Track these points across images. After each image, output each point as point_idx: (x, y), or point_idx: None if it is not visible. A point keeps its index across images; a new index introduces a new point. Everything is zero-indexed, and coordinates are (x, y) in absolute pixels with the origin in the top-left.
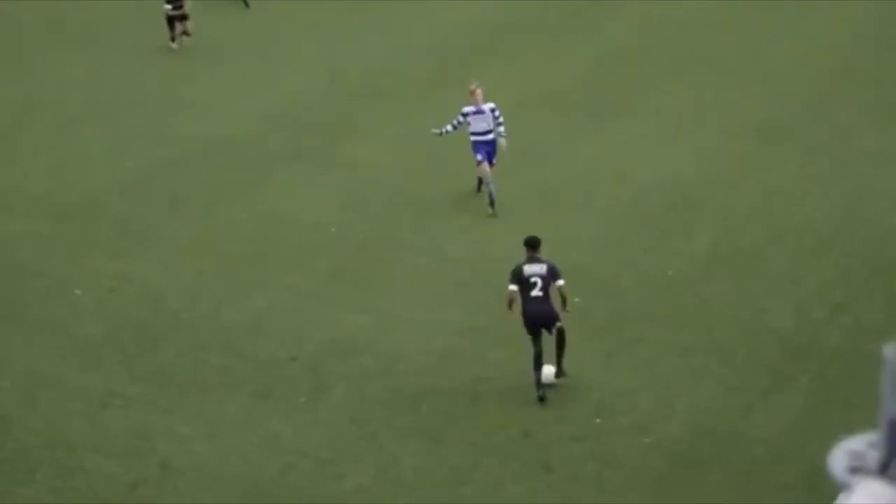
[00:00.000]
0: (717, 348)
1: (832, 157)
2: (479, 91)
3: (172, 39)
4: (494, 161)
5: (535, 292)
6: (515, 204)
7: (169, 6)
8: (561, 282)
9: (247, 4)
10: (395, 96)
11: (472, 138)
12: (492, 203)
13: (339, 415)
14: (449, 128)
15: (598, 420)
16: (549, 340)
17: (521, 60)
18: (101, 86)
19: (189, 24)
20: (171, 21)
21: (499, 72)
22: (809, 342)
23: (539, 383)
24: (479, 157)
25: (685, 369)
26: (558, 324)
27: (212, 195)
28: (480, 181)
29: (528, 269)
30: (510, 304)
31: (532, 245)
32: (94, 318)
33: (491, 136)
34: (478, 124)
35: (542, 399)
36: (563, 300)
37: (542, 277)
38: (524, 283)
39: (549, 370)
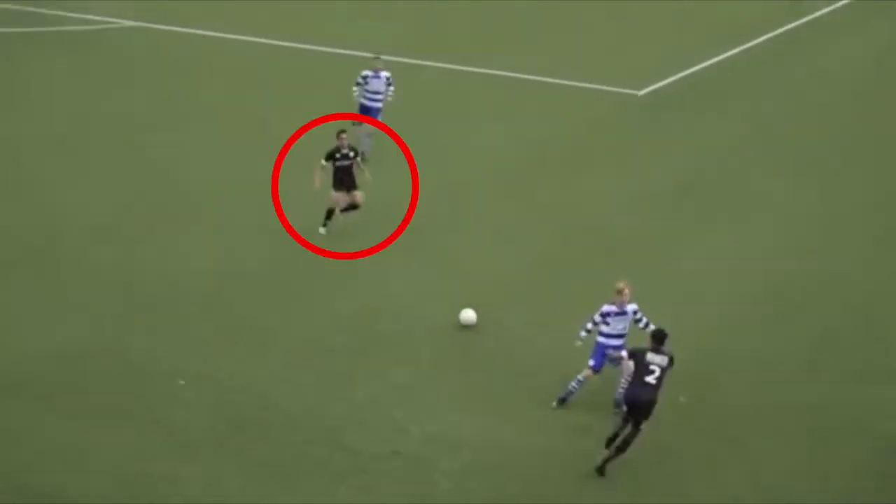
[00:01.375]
0: (827, 455)
1: None
2: (627, 291)
3: (328, 218)
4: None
5: (650, 379)
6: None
7: (330, 161)
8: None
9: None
10: (494, 190)
11: (601, 339)
12: (562, 400)
13: None
14: (583, 334)
15: None
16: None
17: (635, 155)
18: (219, 175)
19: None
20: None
21: (612, 165)
22: None
23: (605, 460)
24: (593, 363)
25: (794, 479)
26: (642, 427)
27: (314, 288)
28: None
29: (651, 356)
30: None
31: (659, 339)
32: (197, 410)
33: (623, 340)
34: (617, 325)
35: (600, 471)
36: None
37: (662, 368)
38: (642, 367)
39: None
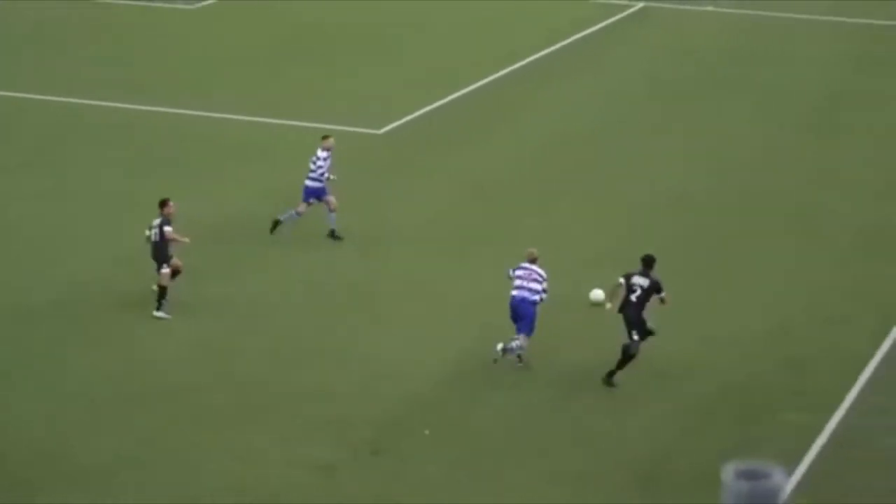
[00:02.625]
0: None
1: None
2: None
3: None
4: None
5: (633, 297)
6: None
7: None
8: (663, 294)
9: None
10: (247, 232)
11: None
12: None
13: None
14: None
15: None
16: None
17: (378, 194)
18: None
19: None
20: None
21: (356, 205)
22: None
23: (610, 372)
24: None
25: None
26: (635, 337)
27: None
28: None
29: (636, 279)
30: (611, 296)
31: (646, 263)
32: None
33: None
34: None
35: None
36: (662, 302)
37: (643, 288)
38: (629, 287)
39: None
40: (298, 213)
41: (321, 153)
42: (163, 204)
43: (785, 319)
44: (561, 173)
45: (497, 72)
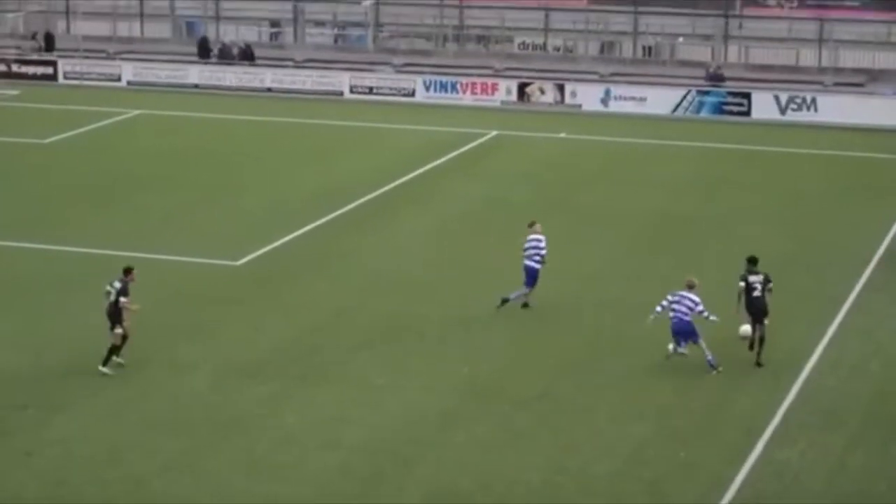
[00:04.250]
0: None
1: (537, 412)
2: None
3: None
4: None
5: (756, 293)
6: (225, 474)
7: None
8: (771, 284)
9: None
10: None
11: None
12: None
13: None
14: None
15: None
16: None
17: (234, 325)
18: None
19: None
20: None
21: (211, 337)
22: None
23: (757, 354)
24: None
25: None
26: (766, 322)
27: None
28: None
29: (752, 278)
30: (739, 297)
31: (752, 261)
32: None
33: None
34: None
35: (759, 364)
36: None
37: (761, 283)
38: (749, 286)
39: (745, 329)
40: (526, 295)
41: (541, 236)
42: (126, 271)
43: (639, 439)
44: (404, 305)
45: (354, 201)
